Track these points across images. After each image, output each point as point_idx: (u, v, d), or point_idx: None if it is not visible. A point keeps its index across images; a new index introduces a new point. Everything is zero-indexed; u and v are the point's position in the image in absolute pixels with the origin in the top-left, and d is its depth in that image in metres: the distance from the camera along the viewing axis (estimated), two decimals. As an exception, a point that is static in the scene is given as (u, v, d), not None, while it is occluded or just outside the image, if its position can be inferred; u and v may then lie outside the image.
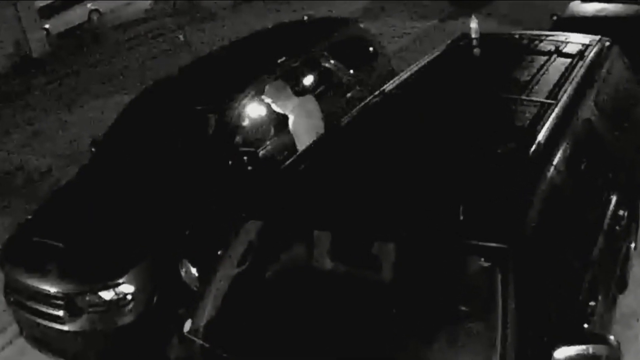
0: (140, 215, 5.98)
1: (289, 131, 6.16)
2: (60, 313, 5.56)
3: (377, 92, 5.61)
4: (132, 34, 20.09)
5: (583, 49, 5.79)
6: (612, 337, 3.54)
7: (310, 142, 5.59)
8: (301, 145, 5.94)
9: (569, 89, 5.02)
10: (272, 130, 6.85)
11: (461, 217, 3.69)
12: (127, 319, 5.46)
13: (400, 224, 3.91)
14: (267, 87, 6.21)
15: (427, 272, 3.93)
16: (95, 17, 23.09)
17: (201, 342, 4.07)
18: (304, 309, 3.98)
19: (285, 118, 6.22)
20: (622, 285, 5.49)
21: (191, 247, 5.49)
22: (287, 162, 4.99)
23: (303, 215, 4.26)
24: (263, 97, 6.24)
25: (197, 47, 14.47)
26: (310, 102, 6.28)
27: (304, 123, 6.02)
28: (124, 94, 12.25)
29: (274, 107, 6.17)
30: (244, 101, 6.72)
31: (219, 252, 4.44)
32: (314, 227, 4.29)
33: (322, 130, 5.97)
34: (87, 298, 5.48)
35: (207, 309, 4.22)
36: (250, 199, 4.61)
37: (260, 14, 17.12)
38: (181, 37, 16.73)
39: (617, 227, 4.93)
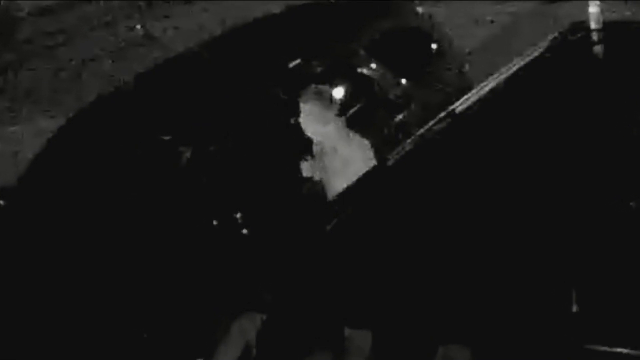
0: (75, 306, 6.04)
1: (305, 177, 6.23)
2: None
3: (443, 113, 5.68)
4: (63, 25, 20.36)
5: None
6: None
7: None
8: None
9: None
10: (281, 175, 6.93)
11: (575, 309, 3.71)
12: None
13: (481, 323, 3.93)
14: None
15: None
16: (4, -1, 23.51)
17: None
18: None
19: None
20: None
21: (155, 355, 5.53)
22: (304, 222, 5.04)
23: (328, 305, 4.30)
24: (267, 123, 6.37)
25: (162, 44, 14.68)
26: (341, 135, 6.40)
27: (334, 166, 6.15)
28: (49, 116, 12.41)
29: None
30: (237, 128, 6.84)
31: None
32: (346, 323, 4.32)
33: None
34: None
35: None
36: (247, 280, 4.64)
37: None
38: (138, 27, 17.01)
39: None
